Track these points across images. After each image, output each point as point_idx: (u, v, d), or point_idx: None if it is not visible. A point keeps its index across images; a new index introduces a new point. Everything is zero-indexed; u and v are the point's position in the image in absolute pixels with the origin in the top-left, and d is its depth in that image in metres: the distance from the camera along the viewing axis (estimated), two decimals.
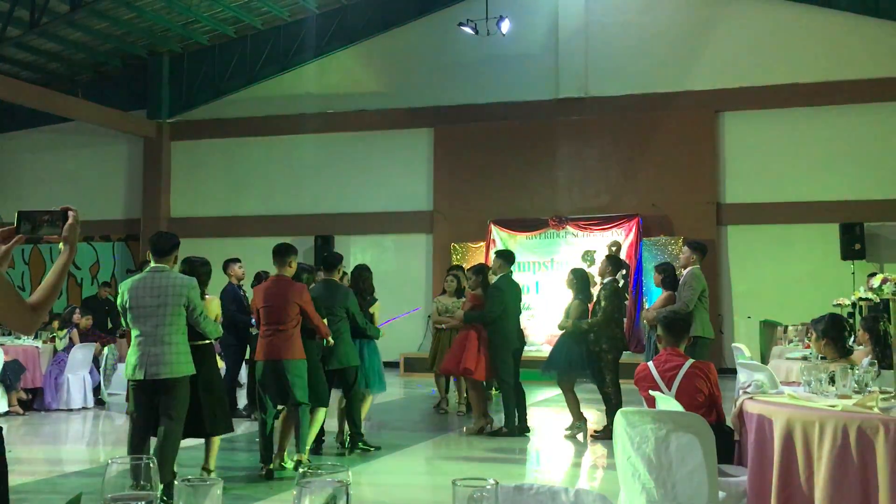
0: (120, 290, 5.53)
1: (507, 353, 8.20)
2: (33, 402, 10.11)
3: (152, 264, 5.49)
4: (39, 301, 2.40)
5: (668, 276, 8.21)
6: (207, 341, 5.78)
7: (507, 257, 8.64)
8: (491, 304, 8.20)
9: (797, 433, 3.51)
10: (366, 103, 16.69)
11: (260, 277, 8.95)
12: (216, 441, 5.89)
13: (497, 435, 8.17)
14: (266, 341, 6.42)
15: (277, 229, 16.69)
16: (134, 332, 5.42)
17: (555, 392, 10.92)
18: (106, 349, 10.86)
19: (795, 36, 14.71)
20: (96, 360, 10.74)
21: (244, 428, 8.54)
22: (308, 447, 6.62)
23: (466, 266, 11.04)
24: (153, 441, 5.48)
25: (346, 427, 7.43)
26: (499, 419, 8.51)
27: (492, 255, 10.31)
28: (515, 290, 8.52)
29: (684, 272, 8.00)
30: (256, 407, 7.05)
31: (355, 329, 7.35)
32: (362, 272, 7.94)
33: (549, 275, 14.94)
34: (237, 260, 9.61)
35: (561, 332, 8.26)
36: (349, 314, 7.22)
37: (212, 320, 5.66)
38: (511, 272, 8.53)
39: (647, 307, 12.35)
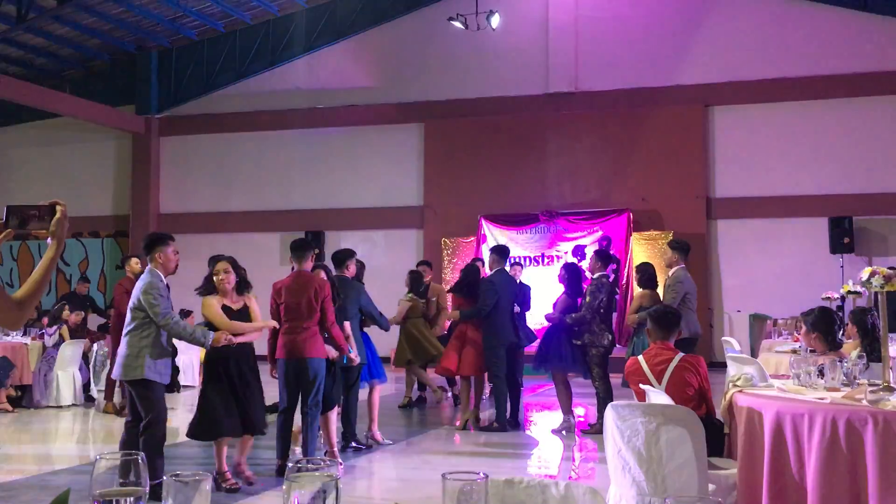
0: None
1: (499, 349, 8.20)
2: (22, 399, 10.07)
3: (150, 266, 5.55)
4: (25, 296, 2.39)
5: (646, 276, 8.23)
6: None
7: (501, 253, 8.71)
8: (483, 298, 8.22)
9: (787, 426, 3.53)
10: (355, 98, 16.65)
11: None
12: (223, 443, 5.84)
13: (488, 430, 8.19)
14: (288, 339, 6.18)
15: (267, 225, 16.68)
16: None
17: (547, 386, 10.96)
18: (95, 346, 10.81)
19: (784, 30, 14.73)
20: (86, 357, 10.69)
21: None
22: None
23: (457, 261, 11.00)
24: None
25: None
26: (490, 414, 8.55)
27: (484, 251, 10.34)
28: (509, 286, 8.56)
29: (669, 272, 7.99)
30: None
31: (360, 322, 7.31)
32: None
33: (539, 269, 14.94)
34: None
35: (548, 326, 8.29)
36: (362, 310, 7.15)
37: (185, 325, 5.48)
38: (508, 267, 8.58)
39: None
